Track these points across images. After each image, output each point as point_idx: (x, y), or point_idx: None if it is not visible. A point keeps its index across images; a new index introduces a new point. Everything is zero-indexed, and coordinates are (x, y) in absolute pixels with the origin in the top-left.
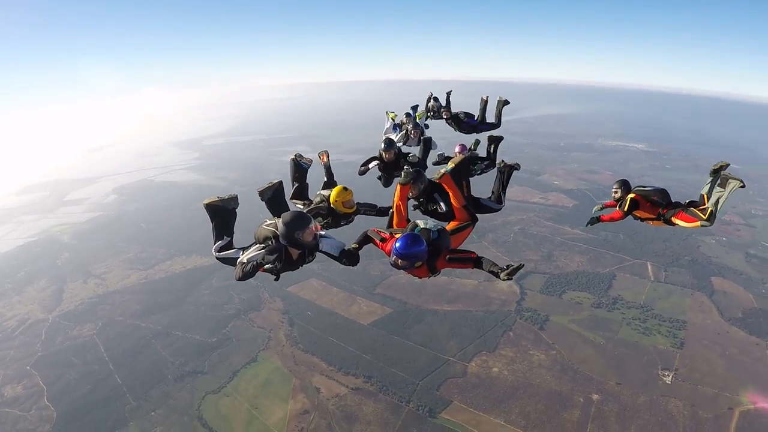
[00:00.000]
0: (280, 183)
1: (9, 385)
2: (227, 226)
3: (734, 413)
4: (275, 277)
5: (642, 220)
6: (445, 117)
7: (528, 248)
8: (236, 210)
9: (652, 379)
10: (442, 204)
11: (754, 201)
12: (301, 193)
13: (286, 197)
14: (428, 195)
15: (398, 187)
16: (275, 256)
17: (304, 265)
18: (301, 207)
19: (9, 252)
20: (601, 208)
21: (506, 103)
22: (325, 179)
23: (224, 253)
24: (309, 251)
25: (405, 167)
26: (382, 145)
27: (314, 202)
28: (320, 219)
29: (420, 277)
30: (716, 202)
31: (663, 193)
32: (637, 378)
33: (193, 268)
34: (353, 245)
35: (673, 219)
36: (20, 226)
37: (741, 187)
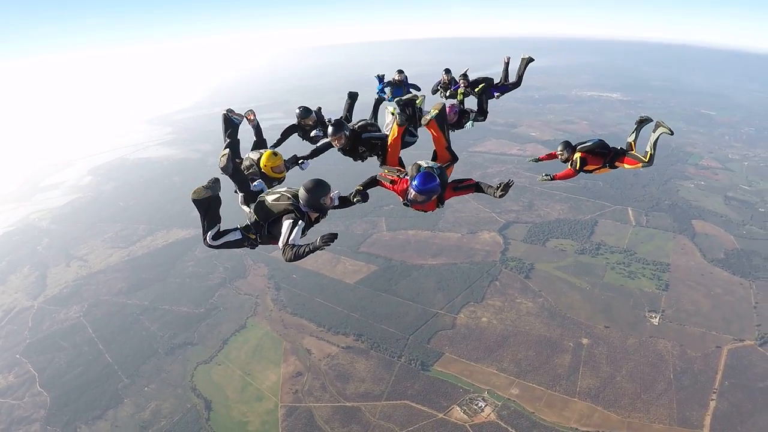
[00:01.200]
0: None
1: (1, 375)
2: (215, 212)
3: (722, 351)
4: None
5: (591, 172)
6: (464, 84)
7: (508, 199)
8: (218, 196)
9: (639, 321)
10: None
11: (730, 146)
12: (233, 149)
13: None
14: (353, 145)
15: (395, 128)
16: (293, 216)
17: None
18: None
19: None
20: (547, 178)
21: (530, 60)
22: (255, 140)
23: (220, 240)
24: (324, 213)
25: (396, 110)
26: (329, 130)
27: (244, 165)
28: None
29: (427, 211)
30: (653, 145)
31: (602, 143)
32: (625, 321)
33: (174, 242)
34: (358, 186)
35: (617, 163)
36: None
37: (669, 134)
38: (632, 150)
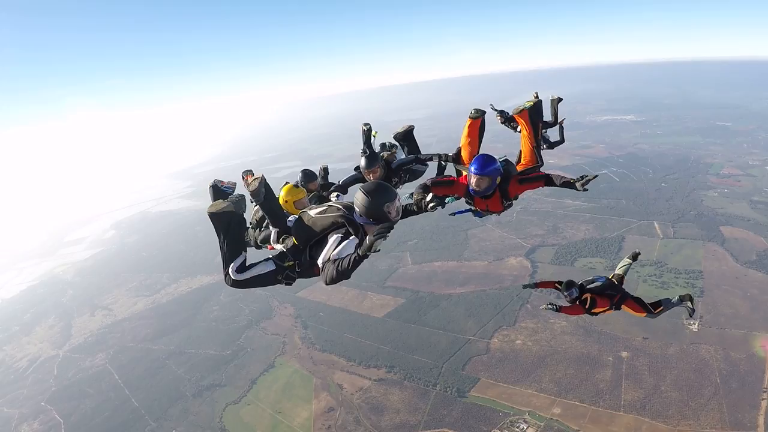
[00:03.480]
0: (242, 201)
1: (25, 423)
2: (238, 237)
3: (767, 350)
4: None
5: (597, 314)
6: (500, 121)
7: (532, 224)
8: (244, 214)
9: (678, 329)
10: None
11: (749, 153)
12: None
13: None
14: (387, 176)
15: (468, 121)
16: (360, 238)
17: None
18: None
19: (13, 297)
20: (552, 308)
21: (560, 100)
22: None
23: (248, 273)
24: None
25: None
26: (363, 163)
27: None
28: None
29: (494, 212)
30: (667, 303)
31: (611, 284)
32: (663, 330)
33: (199, 288)
34: (423, 194)
35: (623, 307)
36: (22, 272)
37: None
38: (622, 282)
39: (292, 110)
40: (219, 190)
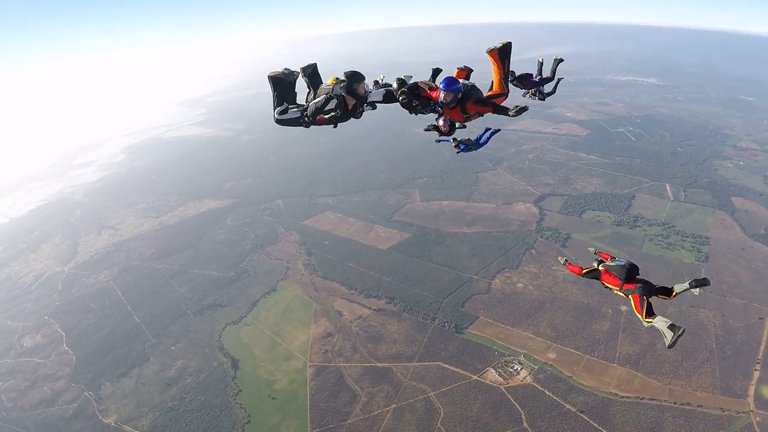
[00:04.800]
0: (295, 73)
1: (28, 335)
2: (286, 94)
3: (765, 323)
4: (334, 125)
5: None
6: (511, 79)
7: (544, 173)
8: (295, 82)
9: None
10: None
11: None
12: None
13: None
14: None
15: (456, 72)
16: (337, 102)
17: (358, 117)
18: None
19: (22, 216)
20: (563, 260)
21: (560, 61)
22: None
23: (285, 115)
24: (360, 103)
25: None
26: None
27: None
28: (331, 109)
29: (457, 120)
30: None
31: (630, 268)
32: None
33: (206, 211)
34: (403, 88)
35: (629, 297)
36: (31, 192)
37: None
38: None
39: (308, 46)
40: (280, 78)
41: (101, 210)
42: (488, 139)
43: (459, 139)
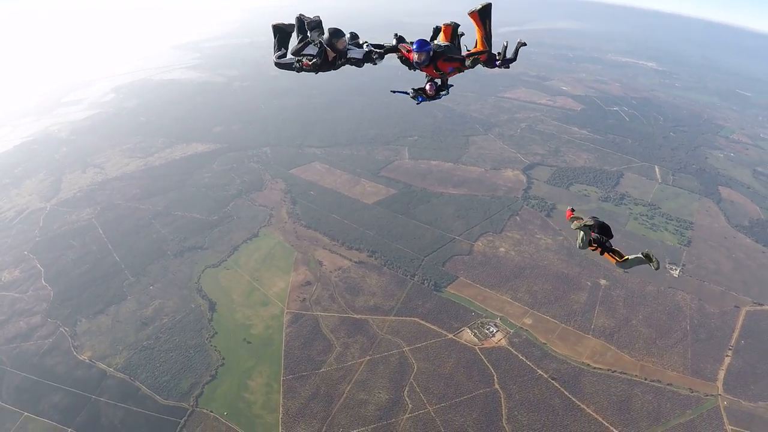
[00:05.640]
0: (293, 25)
1: (6, 270)
2: (285, 41)
3: (741, 311)
4: (315, 71)
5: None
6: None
7: (534, 143)
8: (291, 32)
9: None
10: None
11: (762, 126)
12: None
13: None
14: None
15: (443, 27)
16: (318, 50)
17: (336, 69)
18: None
19: (6, 151)
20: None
21: (523, 44)
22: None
23: (282, 59)
24: (339, 55)
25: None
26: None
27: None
28: (312, 55)
29: (434, 77)
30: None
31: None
32: (645, 268)
33: (193, 154)
34: (379, 50)
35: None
36: (17, 128)
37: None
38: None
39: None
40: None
41: (87, 148)
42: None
43: (416, 90)
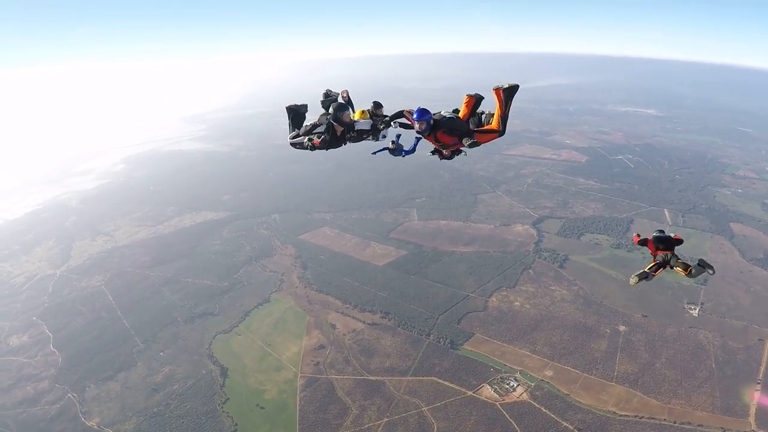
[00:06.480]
0: (306, 106)
1: (15, 335)
2: (299, 122)
3: (765, 344)
4: (326, 148)
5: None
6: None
7: (542, 197)
8: (306, 114)
9: (678, 311)
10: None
11: (766, 159)
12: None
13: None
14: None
15: (466, 99)
16: (326, 126)
17: (345, 144)
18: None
19: (17, 219)
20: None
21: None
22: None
23: (296, 139)
24: (347, 129)
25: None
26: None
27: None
28: (321, 133)
29: (435, 146)
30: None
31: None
32: (663, 311)
33: (203, 222)
34: (386, 118)
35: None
36: (28, 196)
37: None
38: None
39: (309, 70)
40: (328, 96)
41: (97, 217)
42: (415, 144)
43: (395, 143)
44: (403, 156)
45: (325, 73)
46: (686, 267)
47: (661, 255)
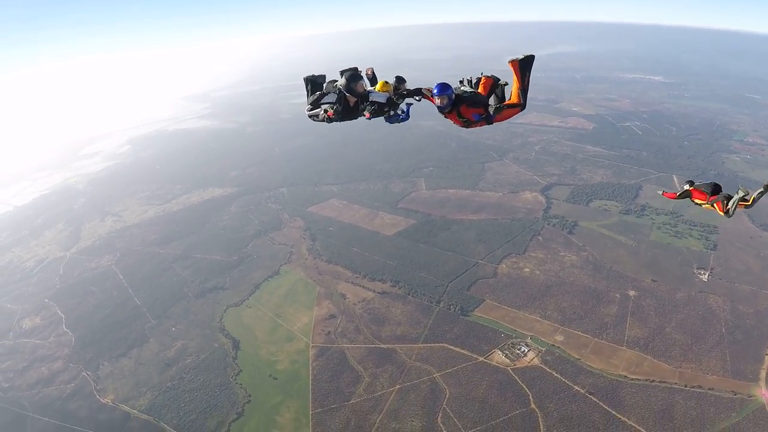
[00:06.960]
0: (324, 76)
1: (27, 317)
2: (314, 92)
3: None
4: (338, 120)
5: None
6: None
7: (550, 164)
8: (323, 84)
9: (688, 276)
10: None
11: None
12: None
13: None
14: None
15: (483, 79)
16: (337, 97)
17: (358, 117)
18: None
19: (26, 204)
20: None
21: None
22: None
23: (312, 111)
24: (361, 100)
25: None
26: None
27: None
28: (331, 103)
29: (457, 124)
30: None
31: (712, 185)
32: (673, 276)
33: (210, 199)
34: (404, 92)
35: (714, 205)
36: (35, 182)
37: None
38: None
39: (312, 44)
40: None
41: (105, 198)
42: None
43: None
44: (401, 122)
45: (327, 47)
46: (745, 199)
47: (720, 195)
